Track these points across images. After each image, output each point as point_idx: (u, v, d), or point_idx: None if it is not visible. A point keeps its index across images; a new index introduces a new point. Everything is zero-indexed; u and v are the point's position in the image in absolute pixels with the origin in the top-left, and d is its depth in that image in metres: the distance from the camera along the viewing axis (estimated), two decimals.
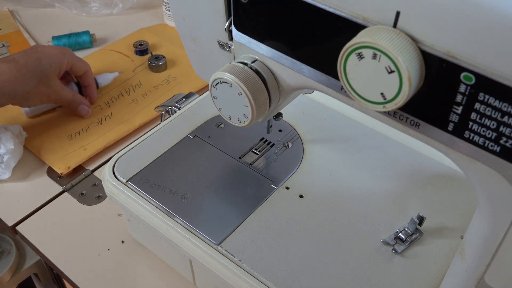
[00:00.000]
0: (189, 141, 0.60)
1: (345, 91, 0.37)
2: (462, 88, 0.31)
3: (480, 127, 0.32)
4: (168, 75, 0.89)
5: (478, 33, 0.29)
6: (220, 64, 0.47)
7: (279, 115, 0.52)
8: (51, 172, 0.72)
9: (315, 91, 0.63)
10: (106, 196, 0.68)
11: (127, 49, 0.95)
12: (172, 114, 0.68)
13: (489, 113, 0.31)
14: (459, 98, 0.32)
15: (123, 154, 0.58)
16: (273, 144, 0.59)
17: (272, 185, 0.55)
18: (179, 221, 0.51)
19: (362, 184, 0.55)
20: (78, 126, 0.78)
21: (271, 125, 0.57)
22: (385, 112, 0.37)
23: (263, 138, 0.60)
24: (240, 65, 0.44)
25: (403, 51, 0.31)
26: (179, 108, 0.68)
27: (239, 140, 0.60)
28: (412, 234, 0.49)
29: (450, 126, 0.33)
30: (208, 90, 0.47)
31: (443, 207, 0.53)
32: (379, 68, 0.32)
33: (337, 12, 0.35)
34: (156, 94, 0.85)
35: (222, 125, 0.61)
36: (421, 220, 0.49)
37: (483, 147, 0.32)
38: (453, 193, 0.54)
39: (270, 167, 0.57)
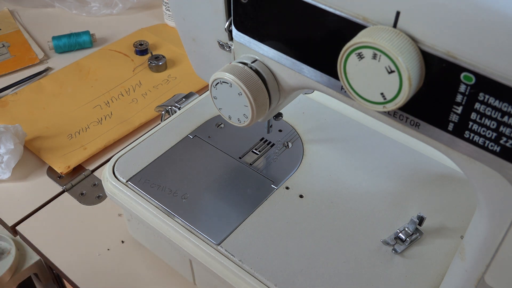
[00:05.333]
0: (189, 141, 0.60)
1: (345, 91, 0.37)
2: (462, 88, 0.31)
3: (480, 127, 0.32)
4: (168, 75, 0.89)
5: (478, 33, 0.29)
6: (220, 64, 0.47)
7: (279, 115, 0.52)
8: (51, 172, 0.72)
9: (315, 91, 0.63)
10: (106, 196, 0.68)
11: (127, 49, 0.95)
12: (172, 114, 0.68)
13: (489, 113, 0.31)
14: (459, 98, 0.32)
15: (123, 154, 0.58)
16: (273, 144, 0.59)
17: (272, 185, 0.55)
18: (179, 221, 0.51)
19: (362, 184, 0.55)
20: (78, 126, 0.78)
21: (271, 125, 0.57)
22: (385, 112, 0.37)
23: (263, 138, 0.60)
24: (240, 65, 0.44)
25: (403, 51, 0.31)
26: (179, 108, 0.68)
27: (239, 140, 0.60)
28: (412, 234, 0.49)
29: (450, 126, 0.33)
30: (208, 90, 0.47)
31: (443, 207, 0.53)
32: (379, 68, 0.32)
33: (337, 12, 0.35)
34: (156, 94, 0.85)
35: (222, 125, 0.61)
36: (421, 220, 0.49)
37: (483, 147, 0.32)
38: (453, 193, 0.54)
39: (270, 167, 0.57)
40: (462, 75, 0.30)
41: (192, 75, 0.87)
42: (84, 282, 0.59)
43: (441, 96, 0.32)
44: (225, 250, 0.49)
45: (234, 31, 0.44)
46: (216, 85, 0.45)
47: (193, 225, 0.50)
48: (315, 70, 0.40)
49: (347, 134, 0.61)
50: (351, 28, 0.34)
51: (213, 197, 0.54)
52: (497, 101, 0.30)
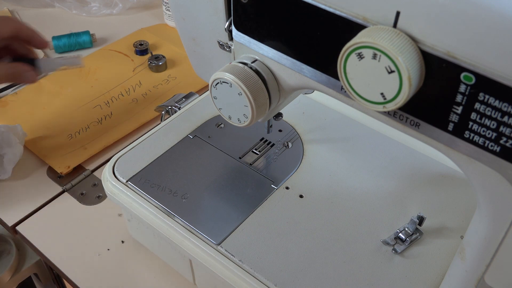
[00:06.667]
0: (189, 141, 0.60)
1: (345, 91, 0.37)
2: (462, 88, 0.31)
3: (480, 127, 0.32)
4: (168, 75, 0.89)
5: (478, 33, 0.29)
6: (220, 64, 0.47)
7: (279, 115, 0.52)
8: (51, 172, 0.72)
9: (315, 91, 0.63)
10: (106, 196, 0.68)
11: (127, 49, 0.95)
12: (172, 114, 0.68)
13: (489, 113, 0.31)
14: (459, 98, 0.32)
15: (123, 154, 0.58)
16: (273, 144, 0.59)
17: (272, 185, 0.55)
18: (179, 221, 0.51)
19: (362, 184, 0.55)
20: (78, 126, 0.78)
21: (271, 125, 0.57)
22: (385, 112, 0.37)
23: (263, 138, 0.60)
24: (240, 65, 0.44)
25: (403, 51, 0.31)
26: (179, 108, 0.68)
27: (239, 140, 0.60)
28: (412, 234, 0.49)
29: (450, 126, 0.33)
30: (208, 90, 0.47)
31: (443, 207, 0.53)
32: (379, 68, 0.32)
33: (337, 12, 0.35)
34: (156, 94, 0.85)
35: (222, 125, 0.61)
36: (421, 220, 0.49)
37: (483, 147, 0.32)
38: (453, 193, 0.54)
39: (270, 167, 0.57)
40: (462, 75, 0.30)
41: (192, 75, 0.87)
42: (84, 282, 0.59)
43: (441, 96, 0.32)
44: (225, 250, 0.49)
45: (234, 31, 0.44)
46: (216, 85, 0.45)
47: (193, 225, 0.51)
48: (315, 70, 0.40)
49: (347, 134, 0.61)
50: (351, 28, 0.34)
51: (213, 197, 0.54)
52: (497, 101, 0.30)
